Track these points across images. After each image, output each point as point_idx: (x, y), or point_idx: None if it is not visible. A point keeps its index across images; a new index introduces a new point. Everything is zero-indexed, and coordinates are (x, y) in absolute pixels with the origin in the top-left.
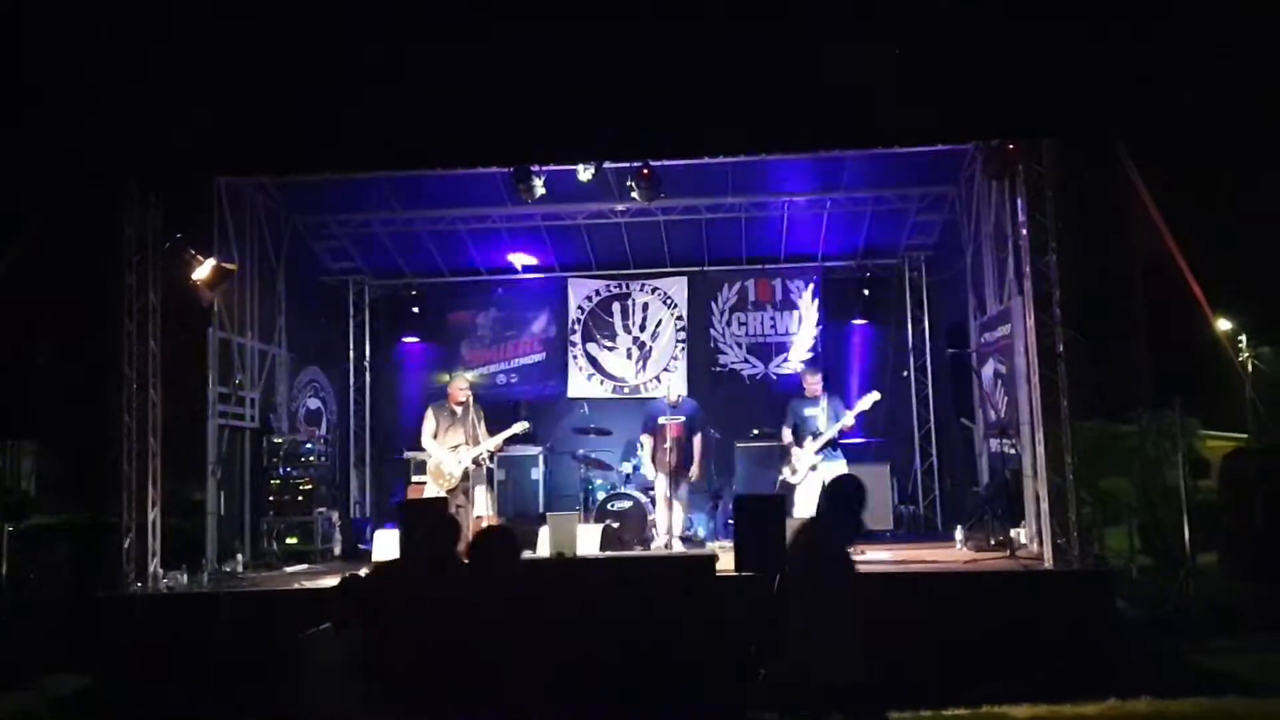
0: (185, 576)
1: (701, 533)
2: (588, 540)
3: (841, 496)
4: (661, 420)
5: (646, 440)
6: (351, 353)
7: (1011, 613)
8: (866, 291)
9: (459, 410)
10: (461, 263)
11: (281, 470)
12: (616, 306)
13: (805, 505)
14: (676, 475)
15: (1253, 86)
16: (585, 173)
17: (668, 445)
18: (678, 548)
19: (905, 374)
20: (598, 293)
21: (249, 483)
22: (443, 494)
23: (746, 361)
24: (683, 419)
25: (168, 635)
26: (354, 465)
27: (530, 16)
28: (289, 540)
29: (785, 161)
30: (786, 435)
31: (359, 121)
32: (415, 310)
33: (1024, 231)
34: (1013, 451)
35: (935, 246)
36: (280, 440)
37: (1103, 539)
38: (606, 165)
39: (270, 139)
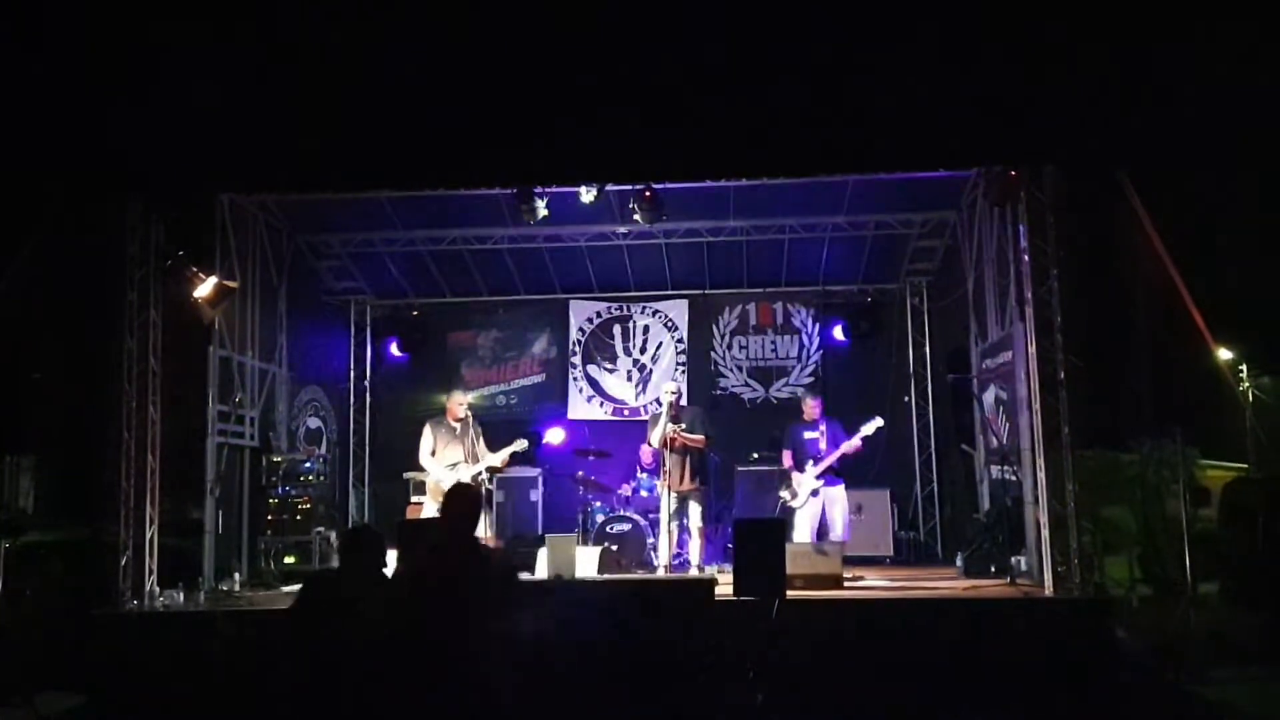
0: (182, 595)
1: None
2: (586, 563)
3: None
4: (668, 431)
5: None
6: (352, 372)
7: (1011, 640)
8: (867, 316)
9: (458, 426)
10: (463, 283)
11: (280, 489)
12: (617, 329)
13: (805, 529)
14: (684, 492)
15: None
16: (588, 194)
17: (674, 458)
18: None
19: (906, 399)
20: (599, 315)
21: (247, 501)
22: None
23: (747, 385)
24: (683, 426)
25: (163, 654)
26: (353, 485)
27: (534, 37)
28: (286, 559)
29: (787, 185)
30: (786, 459)
31: (362, 141)
32: (416, 330)
33: (1025, 258)
34: (1014, 478)
35: (937, 272)
36: (279, 459)
37: (1103, 567)
38: (609, 187)
39: (273, 157)
